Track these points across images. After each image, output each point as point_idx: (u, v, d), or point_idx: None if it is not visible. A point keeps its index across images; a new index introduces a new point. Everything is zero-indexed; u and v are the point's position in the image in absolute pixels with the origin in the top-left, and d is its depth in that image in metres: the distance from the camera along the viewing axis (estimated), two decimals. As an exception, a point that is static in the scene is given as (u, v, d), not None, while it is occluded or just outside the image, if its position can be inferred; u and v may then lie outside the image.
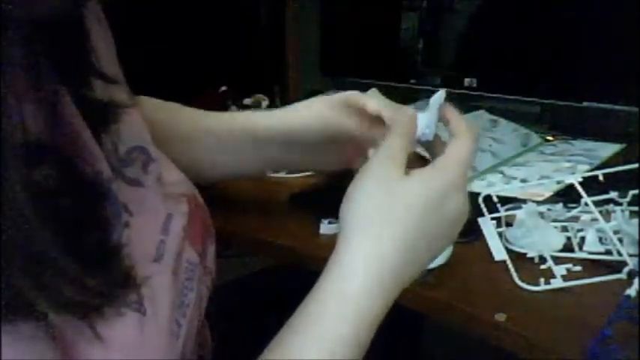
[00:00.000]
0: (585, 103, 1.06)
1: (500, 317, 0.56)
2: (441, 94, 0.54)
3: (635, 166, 0.67)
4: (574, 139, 1.06)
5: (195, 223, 0.54)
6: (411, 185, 0.47)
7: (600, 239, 0.67)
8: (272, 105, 1.20)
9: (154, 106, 0.73)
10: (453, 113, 0.53)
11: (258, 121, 0.70)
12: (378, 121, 0.62)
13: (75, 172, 0.41)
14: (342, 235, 0.47)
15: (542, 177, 0.86)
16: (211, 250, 0.58)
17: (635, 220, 0.65)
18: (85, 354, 0.38)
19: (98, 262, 0.39)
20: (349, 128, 0.65)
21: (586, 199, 0.66)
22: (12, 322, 0.33)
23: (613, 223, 0.67)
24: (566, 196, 0.76)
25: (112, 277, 0.39)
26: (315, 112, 0.67)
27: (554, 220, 0.72)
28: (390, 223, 0.46)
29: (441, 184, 0.47)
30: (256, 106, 1.18)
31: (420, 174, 0.48)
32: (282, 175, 0.93)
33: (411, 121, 0.52)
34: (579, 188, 0.67)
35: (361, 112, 0.64)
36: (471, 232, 0.70)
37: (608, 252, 0.66)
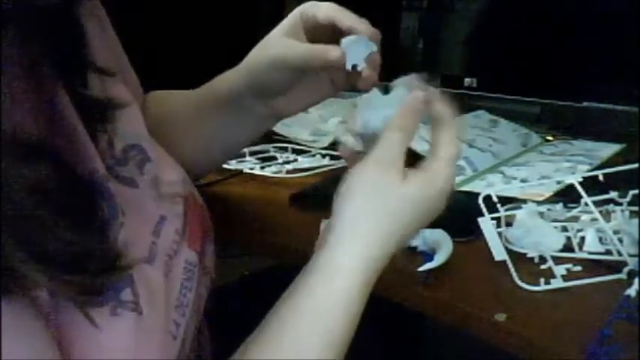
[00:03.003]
0: (585, 103, 1.06)
1: (500, 317, 0.56)
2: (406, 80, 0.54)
3: (635, 166, 0.67)
4: (574, 139, 1.06)
5: (193, 223, 0.54)
6: (409, 192, 0.48)
7: (600, 239, 0.67)
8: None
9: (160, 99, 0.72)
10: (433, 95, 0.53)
11: (221, 85, 0.65)
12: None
13: (72, 171, 0.41)
14: (333, 230, 0.48)
15: (542, 177, 0.85)
16: (210, 249, 0.57)
17: (635, 220, 0.65)
18: (83, 353, 0.38)
19: (94, 255, 0.39)
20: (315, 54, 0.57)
21: (586, 199, 0.66)
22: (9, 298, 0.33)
23: (613, 223, 0.67)
24: (566, 196, 0.76)
25: (106, 259, 0.40)
26: (277, 56, 0.59)
27: (554, 220, 0.72)
28: (381, 228, 0.47)
29: (435, 189, 0.49)
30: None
31: (417, 179, 0.48)
32: (282, 175, 0.93)
33: (414, 114, 0.51)
34: (579, 188, 0.66)
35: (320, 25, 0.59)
36: (470, 232, 0.70)
37: (608, 252, 0.66)
